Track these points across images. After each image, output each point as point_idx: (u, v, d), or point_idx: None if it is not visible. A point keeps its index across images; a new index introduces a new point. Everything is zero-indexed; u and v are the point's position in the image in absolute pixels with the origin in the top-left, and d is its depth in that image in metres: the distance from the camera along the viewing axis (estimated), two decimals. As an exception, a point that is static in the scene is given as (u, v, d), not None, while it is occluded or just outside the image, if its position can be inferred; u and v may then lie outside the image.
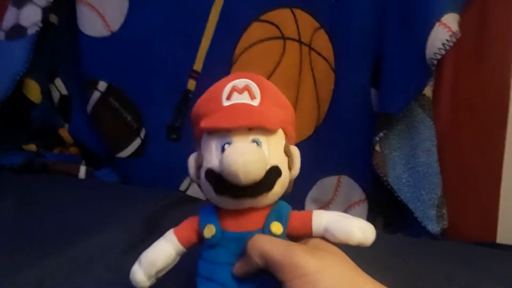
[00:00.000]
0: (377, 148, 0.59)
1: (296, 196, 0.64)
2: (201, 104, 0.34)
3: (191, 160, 0.34)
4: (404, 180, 0.59)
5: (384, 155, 0.59)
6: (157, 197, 0.58)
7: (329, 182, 0.65)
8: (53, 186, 0.59)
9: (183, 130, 0.66)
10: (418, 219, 0.57)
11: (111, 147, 0.68)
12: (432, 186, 0.58)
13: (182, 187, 0.67)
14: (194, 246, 0.34)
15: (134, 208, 0.53)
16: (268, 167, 0.31)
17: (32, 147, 0.69)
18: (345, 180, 0.64)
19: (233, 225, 0.32)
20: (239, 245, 0.31)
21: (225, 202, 0.32)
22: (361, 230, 0.30)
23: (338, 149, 0.64)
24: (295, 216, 0.33)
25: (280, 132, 0.33)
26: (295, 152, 0.34)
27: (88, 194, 0.58)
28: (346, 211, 0.63)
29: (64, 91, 0.70)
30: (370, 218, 0.62)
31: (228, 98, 0.32)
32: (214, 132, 0.32)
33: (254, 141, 0.31)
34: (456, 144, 0.59)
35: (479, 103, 0.58)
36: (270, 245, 0.30)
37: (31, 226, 0.47)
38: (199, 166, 0.33)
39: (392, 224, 0.62)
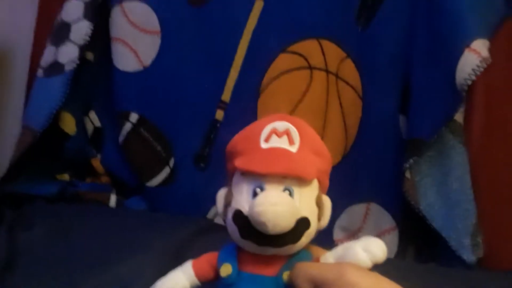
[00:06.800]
0: (407, 175, 0.58)
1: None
2: (239, 141, 0.34)
3: (220, 197, 0.33)
4: (436, 208, 0.57)
5: (415, 182, 0.58)
6: (185, 225, 0.58)
7: (357, 209, 0.64)
8: (85, 215, 0.60)
9: (210, 159, 0.67)
10: (452, 248, 0.55)
11: (141, 176, 0.69)
12: (466, 213, 0.56)
13: (210, 215, 0.67)
14: (210, 282, 0.34)
15: (163, 236, 0.54)
16: (298, 217, 0.30)
17: (65, 176, 0.70)
18: (374, 207, 0.63)
19: (250, 267, 0.32)
20: (254, 286, 0.31)
21: (249, 246, 0.31)
22: (364, 249, 0.29)
23: (366, 177, 0.63)
24: None
25: (315, 182, 0.32)
26: (327, 203, 0.33)
27: (118, 222, 0.59)
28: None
29: (98, 124, 0.72)
30: (401, 247, 0.60)
31: (267, 140, 0.32)
32: (248, 173, 0.31)
33: (286, 189, 0.31)
34: (490, 170, 0.58)
35: (512, 128, 0.57)
36: (317, 267, 0.29)
37: (62, 253, 0.49)
38: (227, 204, 0.32)
39: (424, 253, 0.60)
